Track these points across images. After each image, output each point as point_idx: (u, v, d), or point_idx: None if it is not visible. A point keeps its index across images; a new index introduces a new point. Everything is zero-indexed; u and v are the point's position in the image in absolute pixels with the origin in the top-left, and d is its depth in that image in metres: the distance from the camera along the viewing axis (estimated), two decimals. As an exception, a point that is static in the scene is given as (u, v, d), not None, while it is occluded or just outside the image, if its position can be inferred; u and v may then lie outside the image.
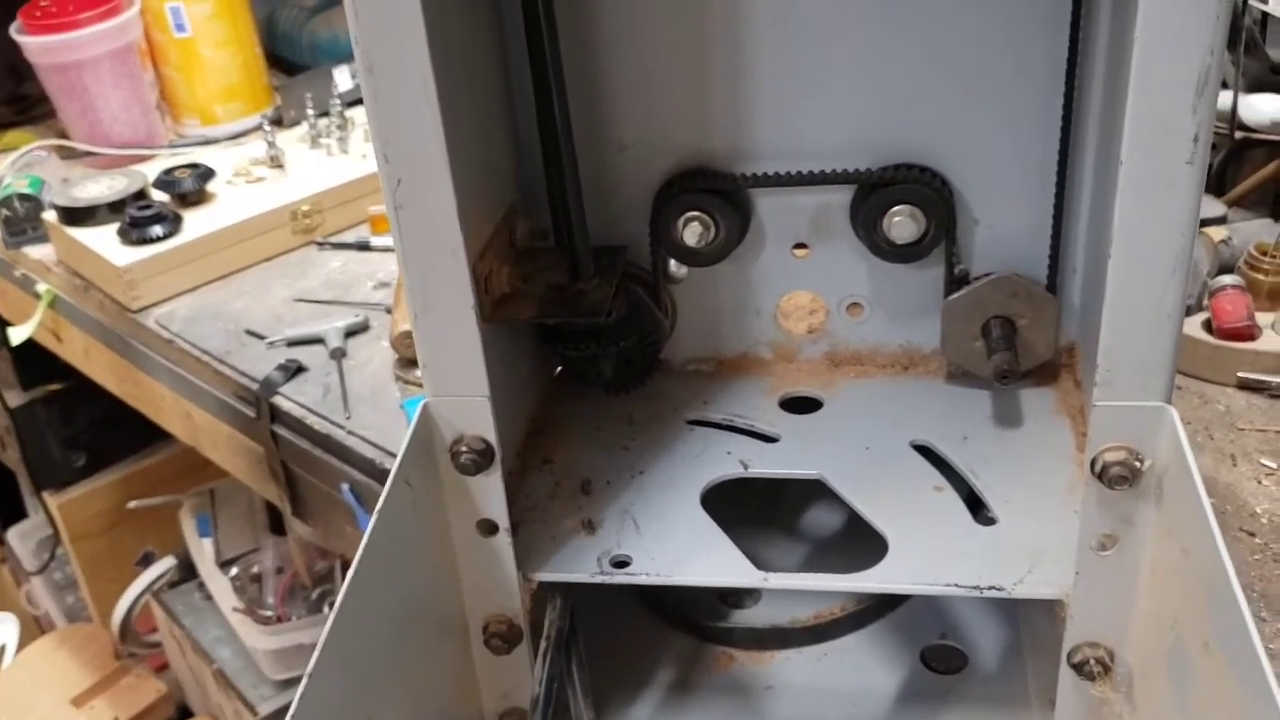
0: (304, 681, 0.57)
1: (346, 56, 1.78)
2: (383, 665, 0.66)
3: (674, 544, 0.74)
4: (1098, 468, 0.62)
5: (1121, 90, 0.56)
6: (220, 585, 1.74)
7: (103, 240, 1.40)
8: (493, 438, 0.69)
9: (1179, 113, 0.55)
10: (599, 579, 0.72)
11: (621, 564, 0.73)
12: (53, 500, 2.01)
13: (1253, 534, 0.94)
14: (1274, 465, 1.01)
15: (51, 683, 2.01)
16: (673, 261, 0.85)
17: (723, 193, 0.81)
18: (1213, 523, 0.57)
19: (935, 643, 0.86)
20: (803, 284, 0.85)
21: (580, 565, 0.73)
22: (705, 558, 0.73)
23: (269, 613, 1.69)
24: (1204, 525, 0.57)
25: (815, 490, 0.79)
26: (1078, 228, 0.78)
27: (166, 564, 1.90)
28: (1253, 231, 1.21)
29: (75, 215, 1.44)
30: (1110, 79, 0.71)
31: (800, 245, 0.84)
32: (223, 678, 1.74)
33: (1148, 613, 0.65)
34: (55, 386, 1.95)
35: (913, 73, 0.76)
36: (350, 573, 0.62)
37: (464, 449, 0.69)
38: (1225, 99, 1.29)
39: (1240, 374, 1.10)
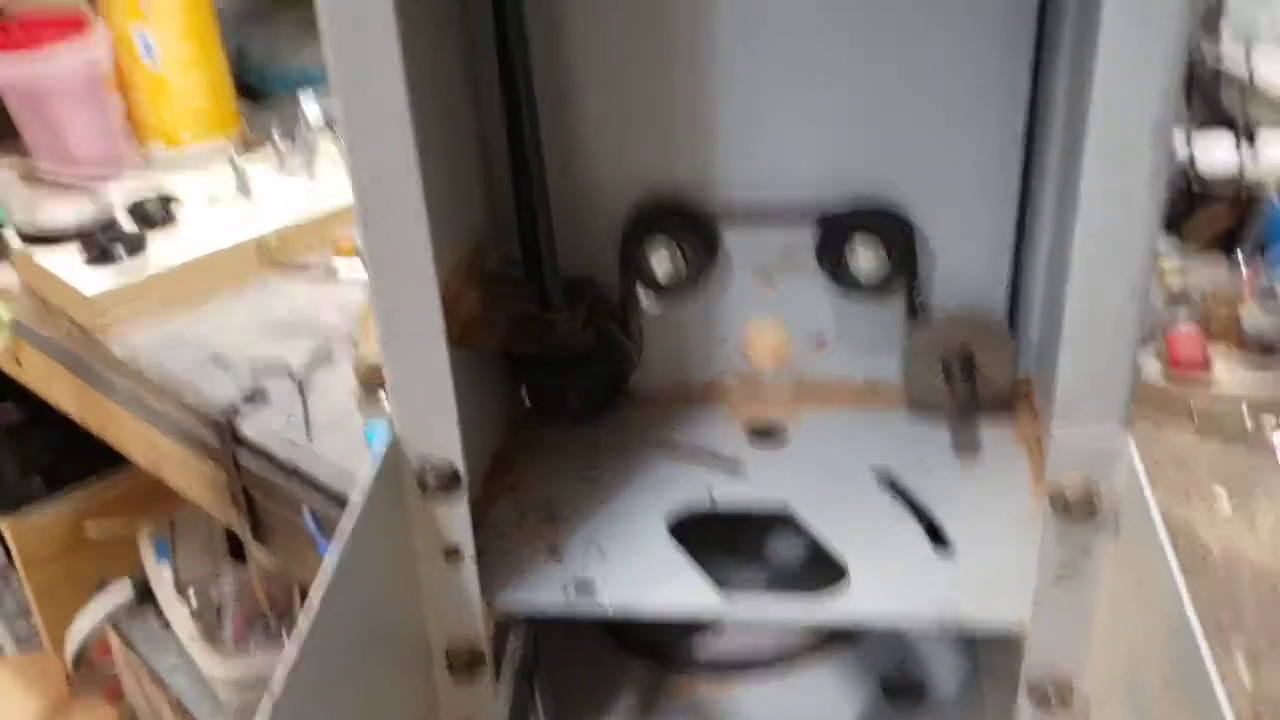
0: (269, 708, 0.56)
1: (316, 85, 1.79)
2: (346, 690, 0.66)
3: (639, 572, 0.75)
4: (1055, 498, 0.63)
5: (1082, 131, 0.58)
6: (178, 612, 1.72)
7: (67, 265, 1.40)
8: (460, 464, 0.69)
9: (1138, 146, 0.56)
10: (563, 607, 0.73)
11: (586, 592, 0.73)
12: (5, 524, 1.98)
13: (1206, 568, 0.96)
14: (1227, 499, 1.03)
15: (1, 713, 1.97)
16: (641, 292, 0.86)
17: (691, 225, 0.82)
18: (1170, 554, 0.58)
19: (895, 672, 0.86)
20: (769, 316, 0.87)
21: (544, 593, 0.73)
22: (671, 586, 0.74)
23: (227, 641, 1.67)
24: (1160, 557, 0.58)
25: (777, 519, 0.80)
26: (1036, 265, 0.80)
27: (124, 591, 1.87)
28: (1207, 269, 1.23)
29: (39, 239, 1.44)
30: (1070, 120, 0.72)
31: (767, 278, 0.85)
32: (179, 707, 1.72)
33: (1106, 643, 0.66)
34: (12, 409, 1.92)
35: (875, 113, 0.78)
36: (313, 597, 0.62)
37: (430, 474, 0.69)
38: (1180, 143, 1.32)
39: (1194, 409, 1.11)
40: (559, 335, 0.76)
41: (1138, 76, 0.55)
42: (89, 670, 1.98)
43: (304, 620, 0.60)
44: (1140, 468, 0.61)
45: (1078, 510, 0.63)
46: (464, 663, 0.75)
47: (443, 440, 0.68)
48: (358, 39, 0.59)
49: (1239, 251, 1.19)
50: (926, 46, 0.75)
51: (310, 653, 0.60)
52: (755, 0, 0.76)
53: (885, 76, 0.77)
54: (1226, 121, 1.33)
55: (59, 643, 1.97)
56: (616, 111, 0.80)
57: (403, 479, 0.69)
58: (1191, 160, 1.31)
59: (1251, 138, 1.30)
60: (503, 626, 0.75)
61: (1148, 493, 0.60)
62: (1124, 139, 0.56)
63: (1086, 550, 0.65)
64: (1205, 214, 1.32)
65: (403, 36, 0.59)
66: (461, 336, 0.71)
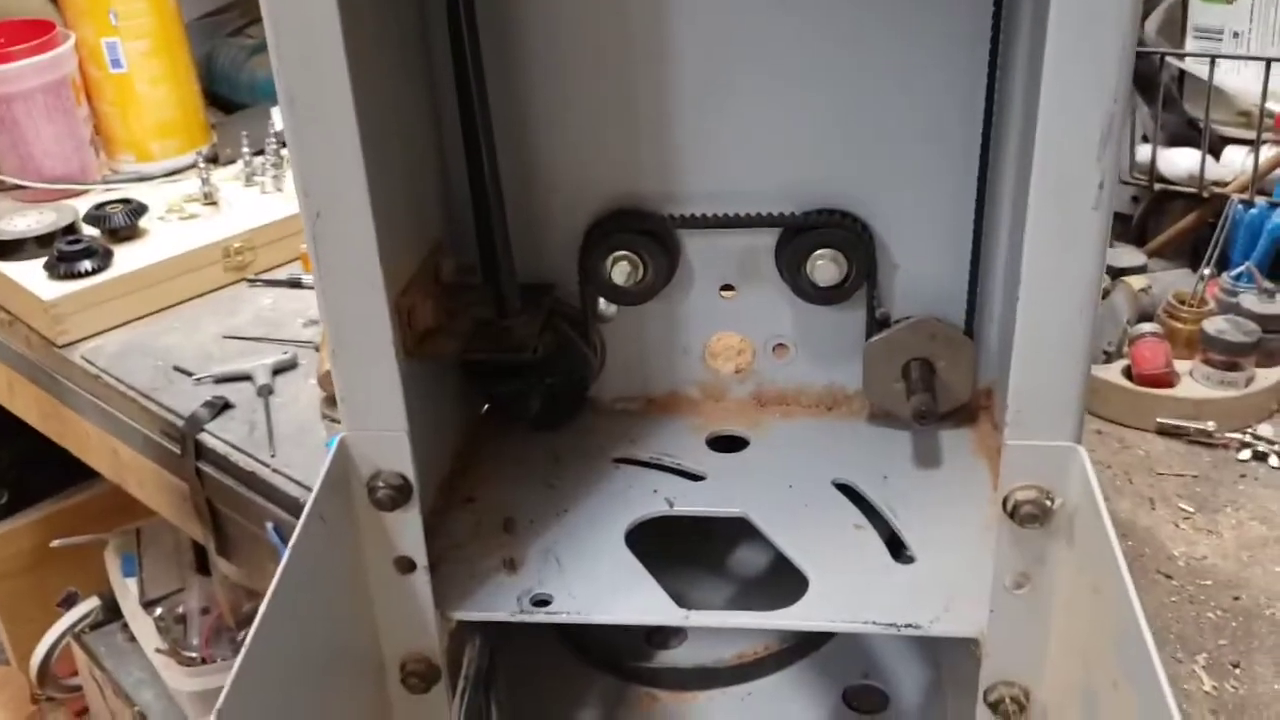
0: (212, 720, 0.56)
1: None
2: (295, 704, 0.65)
3: (596, 583, 0.74)
4: (1009, 506, 0.63)
5: (1035, 141, 0.58)
6: (144, 626, 1.70)
7: (29, 274, 1.38)
8: (410, 474, 0.68)
9: (1085, 161, 0.56)
10: (519, 618, 0.72)
11: (542, 603, 0.73)
12: (-29, 539, 1.96)
13: (1170, 576, 0.96)
14: (1191, 509, 1.03)
15: (-34, 727, 1.95)
16: (602, 300, 0.85)
17: (651, 233, 0.82)
18: (1121, 561, 0.58)
19: (857, 683, 0.86)
20: (730, 324, 0.86)
21: (500, 604, 0.73)
22: (627, 596, 0.73)
23: (193, 654, 1.65)
24: (1113, 564, 0.58)
25: (741, 528, 0.79)
26: (995, 273, 0.80)
27: (90, 605, 1.85)
28: (1172, 281, 1.24)
29: (1, 248, 1.42)
30: (1025, 130, 0.72)
31: (727, 286, 0.85)
32: (145, 721, 1.70)
33: (1061, 651, 0.66)
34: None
35: (835, 122, 0.78)
36: (262, 609, 0.61)
37: (381, 484, 0.68)
38: (1146, 152, 1.32)
39: (1159, 420, 1.12)
40: (516, 340, 0.76)
41: (1085, 86, 0.55)
42: (54, 685, 1.96)
43: (250, 634, 0.59)
44: (1093, 476, 0.61)
45: (1031, 519, 0.62)
46: (418, 675, 0.74)
47: (393, 450, 0.68)
48: (304, 56, 0.59)
49: (1204, 260, 1.20)
50: (886, 61, 0.75)
51: (256, 666, 0.59)
52: (718, 13, 0.76)
53: (845, 90, 0.77)
54: (1190, 127, 1.33)
55: (24, 658, 1.95)
56: (577, 121, 0.80)
57: (352, 489, 0.69)
58: (1154, 161, 1.31)
59: (1214, 144, 1.30)
60: (458, 638, 0.74)
61: (1100, 501, 0.60)
62: (1070, 155, 0.56)
63: (1041, 558, 0.64)
64: (1170, 220, 1.32)
65: (351, 51, 0.59)
66: (418, 348, 0.70)
